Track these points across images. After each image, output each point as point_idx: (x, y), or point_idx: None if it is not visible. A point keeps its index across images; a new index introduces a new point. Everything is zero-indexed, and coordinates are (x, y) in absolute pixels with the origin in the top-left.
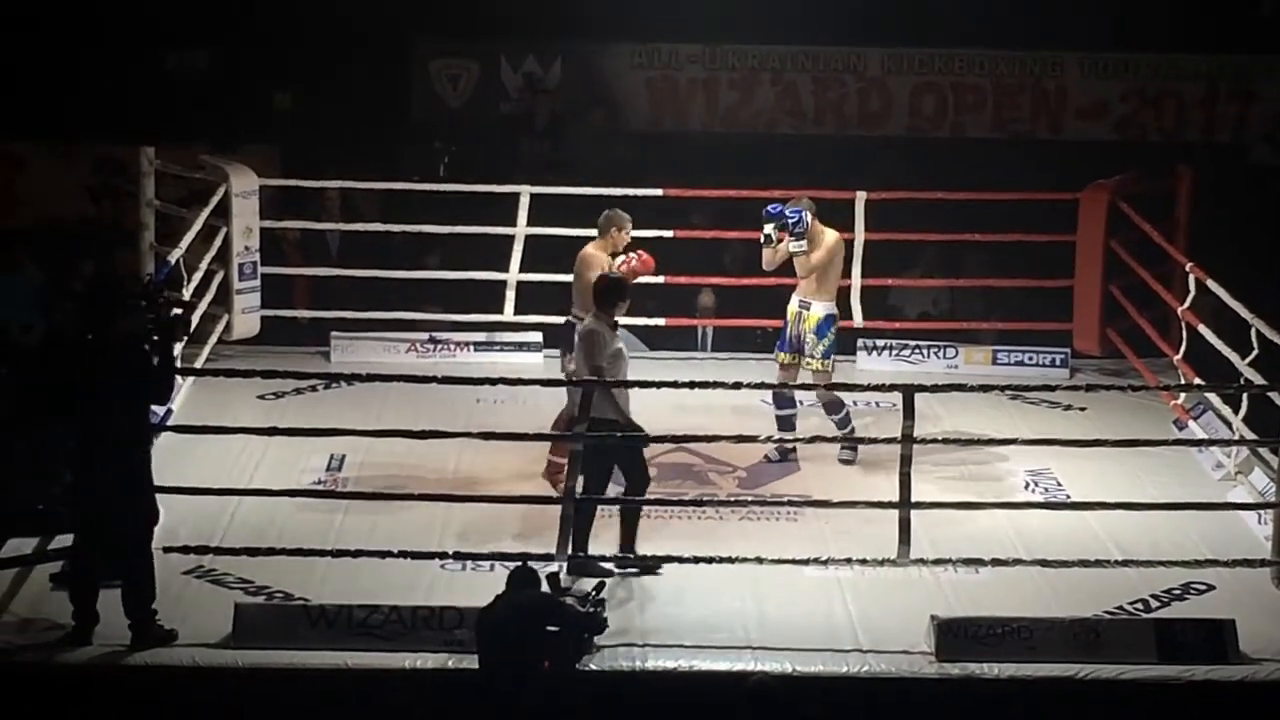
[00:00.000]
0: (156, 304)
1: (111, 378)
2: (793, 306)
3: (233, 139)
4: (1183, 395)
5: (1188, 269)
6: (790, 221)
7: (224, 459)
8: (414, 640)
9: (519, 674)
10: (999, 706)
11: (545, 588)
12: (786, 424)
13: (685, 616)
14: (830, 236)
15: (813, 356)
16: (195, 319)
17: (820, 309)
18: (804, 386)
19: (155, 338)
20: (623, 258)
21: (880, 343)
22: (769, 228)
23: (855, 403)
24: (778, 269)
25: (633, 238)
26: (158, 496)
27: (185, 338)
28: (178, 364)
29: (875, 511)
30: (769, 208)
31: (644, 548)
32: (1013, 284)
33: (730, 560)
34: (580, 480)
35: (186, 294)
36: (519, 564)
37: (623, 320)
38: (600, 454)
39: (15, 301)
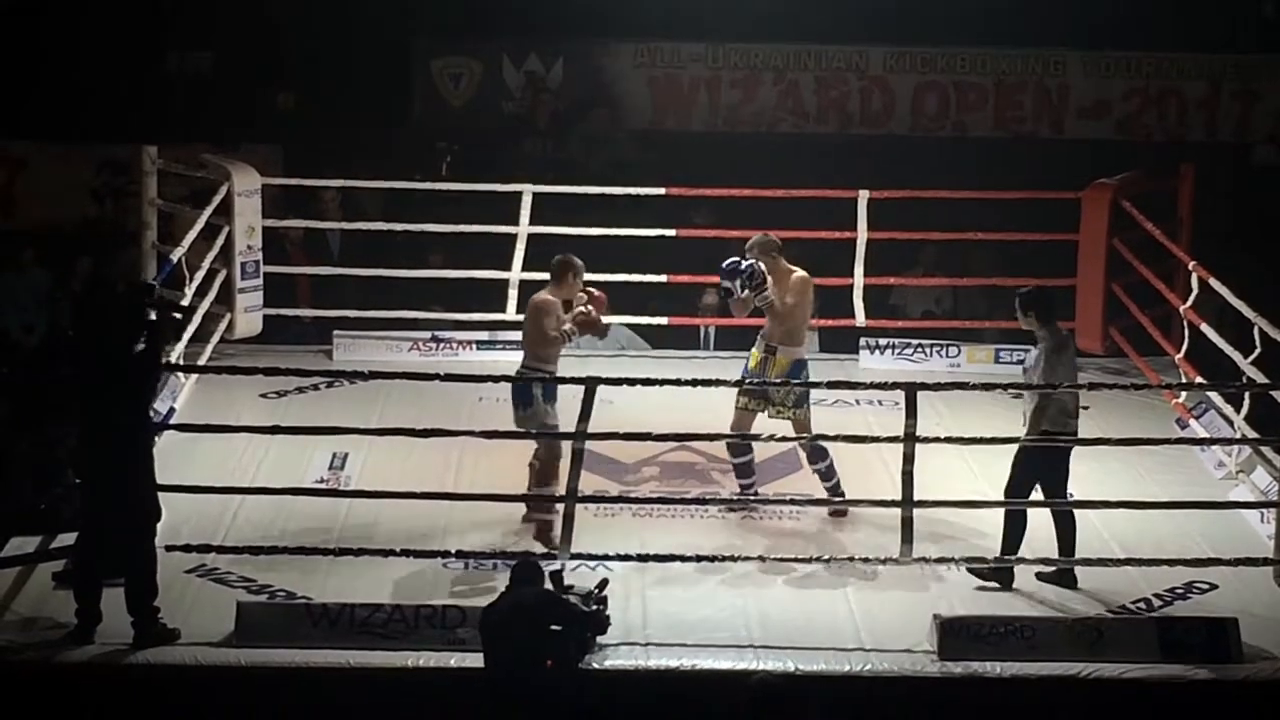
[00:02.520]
0: (146, 306)
1: (105, 379)
2: (757, 350)
3: (235, 138)
4: (1185, 394)
5: (1190, 268)
6: (743, 276)
7: (227, 457)
8: (416, 639)
9: (523, 672)
10: (1001, 705)
11: (548, 585)
12: (745, 471)
13: (688, 615)
14: (797, 278)
15: (784, 405)
16: (193, 320)
17: (787, 355)
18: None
19: (145, 340)
20: (582, 296)
21: (883, 342)
22: (727, 283)
23: (858, 401)
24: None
25: (635, 239)
26: (161, 495)
27: (175, 340)
28: (171, 364)
29: (878, 510)
30: (726, 264)
31: (646, 546)
32: (1015, 283)
33: (733, 559)
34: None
35: (189, 293)
36: (523, 557)
37: (625, 320)
38: (1049, 460)
39: (19, 301)
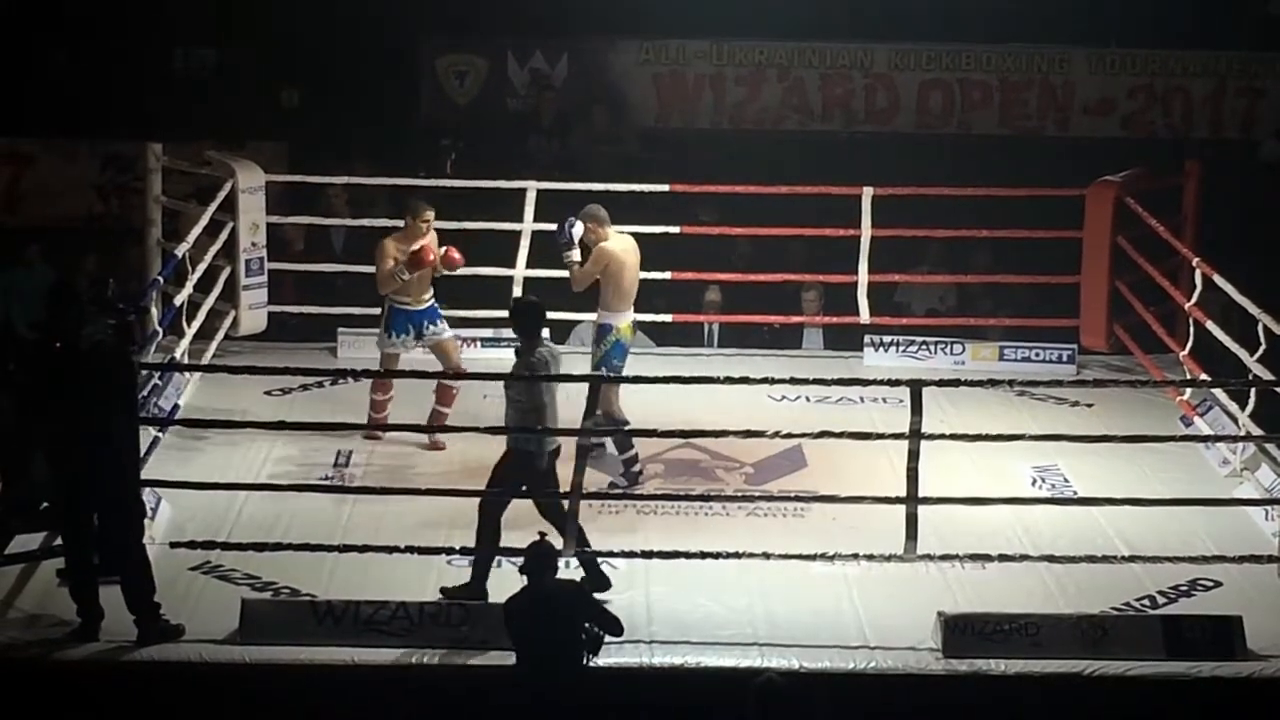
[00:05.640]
0: (116, 310)
1: (82, 383)
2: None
3: (240, 135)
4: (1189, 391)
5: (1195, 265)
6: (557, 232)
7: (231, 454)
8: (421, 636)
9: (551, 665)
10: (1006, 703)
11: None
12: (633, 462)
13: (692, 613)
14: (601, 247)
15: (594, 364)
16: (194, 321)
17: (599, 318)
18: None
19: (117, 338)
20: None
21: (887, 339)
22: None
23: (862, 398)
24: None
25: (584, 232)
26: (164, 491)
27: (138, 344)
28: (174, 362)
29: (882, 507)
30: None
31: (650, 543)
32: (1020, 280)
33: (737, 556)
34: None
35: (188, 288)
36: (535, 545)
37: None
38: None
39: (24, 298)
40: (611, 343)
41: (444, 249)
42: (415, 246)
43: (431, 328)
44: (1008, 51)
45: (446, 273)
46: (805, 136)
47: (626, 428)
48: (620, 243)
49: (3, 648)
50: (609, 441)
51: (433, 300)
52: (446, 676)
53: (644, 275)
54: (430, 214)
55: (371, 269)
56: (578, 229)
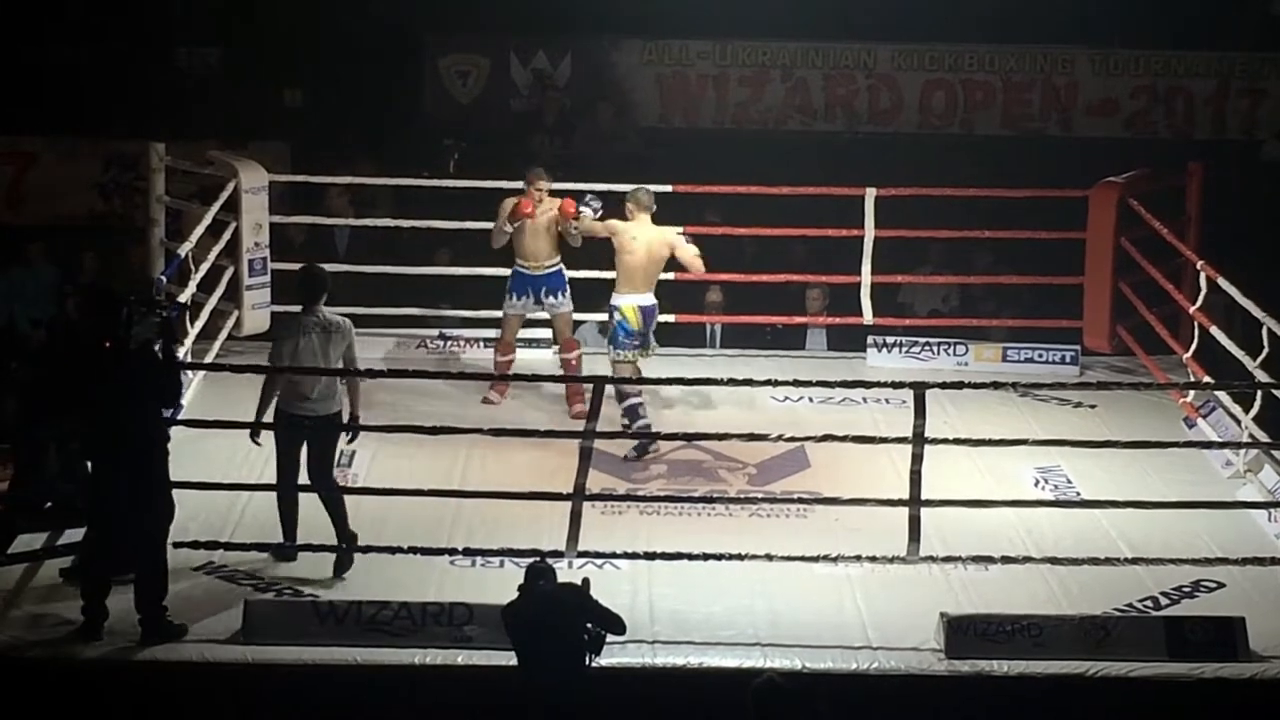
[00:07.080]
0: (161, 309)
1: (129, 382)
2: None
3: (243, 135)
4: (1192, 393)
5: (1198, 267)
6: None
7: (234, 454)
8: (423, 636)
9: (562, 669)
10: (1008, 704)
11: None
12: (633, 413)
13: (694, 613)
14: (613, 223)
15: (608, 344)
16: (196, 321)
17: (612, 300)
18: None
19: (161, 342)
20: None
21: (890, 340)
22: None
23: (865, 399)
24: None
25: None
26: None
27: (182, 341)
28: (180, 362)
29: (885, 509)
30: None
31: (653, 544)
32: (1022, 281)
33: (740, 557)
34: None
35: (191, 287)
36: (537, 559)
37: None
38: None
39: (27, 297)
40: (615, 322)
41: (560, 201)
42: (514, 201)
43: (550, 298)
44: (1010, 51)
45: (575, 230)
46: (808, 137)
47: (628, 404)
48: (637, 229)
49: (6, 646)
50: (614, 400)
51: (557, 267)
52: (448, 676)
53: None
54: (542, 182)
55: (373, 269)
56: (587, 211)
